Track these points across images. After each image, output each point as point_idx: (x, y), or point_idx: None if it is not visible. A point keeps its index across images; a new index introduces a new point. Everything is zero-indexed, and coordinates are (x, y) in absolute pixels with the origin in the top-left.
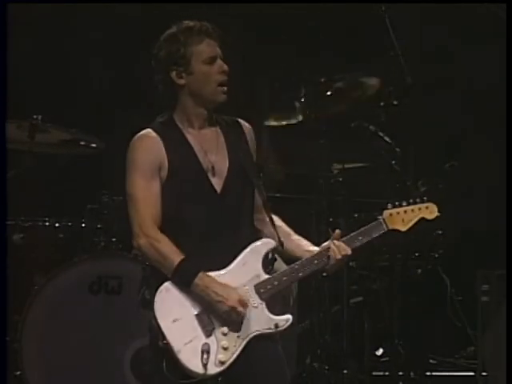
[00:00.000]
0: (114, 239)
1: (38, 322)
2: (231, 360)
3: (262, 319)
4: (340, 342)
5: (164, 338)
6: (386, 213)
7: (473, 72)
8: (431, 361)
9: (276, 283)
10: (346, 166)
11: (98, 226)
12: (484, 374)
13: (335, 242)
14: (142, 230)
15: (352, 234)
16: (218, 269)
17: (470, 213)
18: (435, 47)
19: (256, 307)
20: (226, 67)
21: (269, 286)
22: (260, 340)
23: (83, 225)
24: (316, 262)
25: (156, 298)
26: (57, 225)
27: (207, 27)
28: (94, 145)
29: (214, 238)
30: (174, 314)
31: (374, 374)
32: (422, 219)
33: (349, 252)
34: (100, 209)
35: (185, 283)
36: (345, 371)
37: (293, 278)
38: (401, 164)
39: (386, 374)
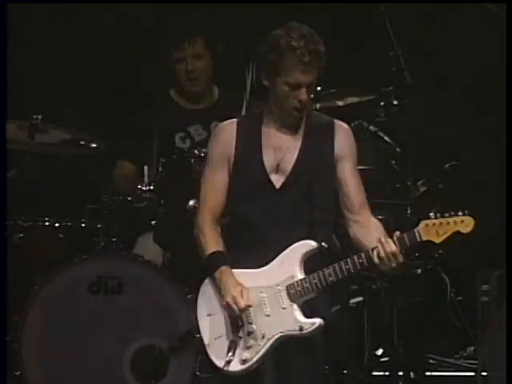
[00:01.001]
0: (114, 239)
1: (38, 322)
2: (254, 359)
3: (287, 321)
4: (340, 341)
5: (198, 330)
6: (423, 223)
7: (473, 72)
8: (431, 361)
9: (306, 286)
10: None
11: (98, 226)
12: (484, 374)
13: (383, 239)
14: (196, 219)
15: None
16: (266, 264)
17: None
18: (435, 47)
19: (284, 308)
20: (304, 98)
21: (298, 288)
22: (293, 351)
23: (83, 225)
24: (347, 267)
25: (200, 291)
26: (57, 225)
27: (309, 57)
28: (93, 145)
29: (268, 234)
30: (210, 307)
31: (373, 373)
32: (457, 233)
33: (393, 248)
34: (100, 209)
35: (210, 275)
36: (345, 371)
37: (323, 282)
38: (401, 164)
39: (386, 373)
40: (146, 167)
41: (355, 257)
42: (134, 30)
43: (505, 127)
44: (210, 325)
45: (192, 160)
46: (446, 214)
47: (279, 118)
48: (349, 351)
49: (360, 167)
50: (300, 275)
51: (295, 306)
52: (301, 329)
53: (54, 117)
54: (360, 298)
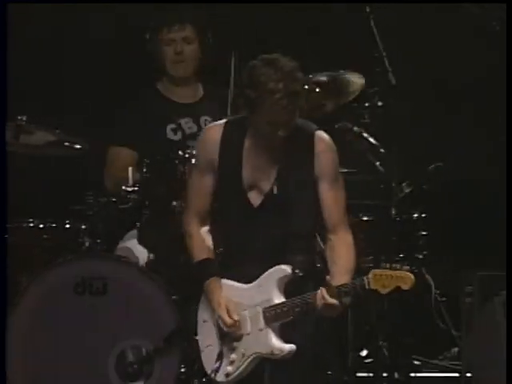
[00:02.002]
0: (98, 240)
1: (22, 323)
2: (235, 374)
3: (262, 343)
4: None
5: (196, 334)
6: (372, 273)
7: (459, 72)
8: (415, 362)
9: (279, 311)
10: None
11: (83, 226)
12: (468, 375)
13: (324, 290)
14: (183, 220)
15: (337, 285)
16: (247, 281)
17: (455, 213)
18: (421, 47)
19: (261, 330)
20: (282, 134)
21: (273, 312)
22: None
23: (68, 226)
24: (310, 300)
25: (202, 295)
26: (41, 226)
27: (287, 100)
28: (78, 146)
29: (244, 251)
30: (206, 314)
31: (358, 375)
32: (399, 288)
33: (329, 301)
34: (85, 210)
35: (199, 282)
36: (329, 372)
37: (291, 312)
38: (385, 165)
39: (371, 375)
40: (130, 168)
41: (318, 292)
42: (134, 30)
43: (505, 127)
44: (204, 332)
45: (177, 161)
46: (394, 266)
47: (260, 135)
48: (333, 352)
49: (344, 169)
50: (276, 299)
51: (270, 330)
52: (272, 353)
53: (38, 118)
54: None
